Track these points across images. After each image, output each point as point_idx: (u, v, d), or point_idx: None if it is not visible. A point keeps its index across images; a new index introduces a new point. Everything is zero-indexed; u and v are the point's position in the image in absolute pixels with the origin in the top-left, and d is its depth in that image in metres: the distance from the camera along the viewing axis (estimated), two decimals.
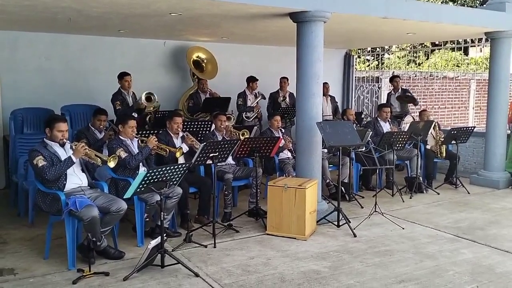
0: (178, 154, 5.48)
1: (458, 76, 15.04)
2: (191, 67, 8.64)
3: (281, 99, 8.92)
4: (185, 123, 6.51)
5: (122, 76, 7.37)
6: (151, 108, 7.44)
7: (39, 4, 5.20)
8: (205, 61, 8.85)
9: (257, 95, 8.78)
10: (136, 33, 7.88)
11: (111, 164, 4.66)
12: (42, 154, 4.45)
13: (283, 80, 8.96)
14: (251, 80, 8.73)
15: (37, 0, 4.99)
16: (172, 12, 5.75)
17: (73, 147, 4.56)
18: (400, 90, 9.45)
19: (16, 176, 6.21)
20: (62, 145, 4.60)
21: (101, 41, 8.26)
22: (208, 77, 8.70)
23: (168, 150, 5.47)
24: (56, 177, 4.46)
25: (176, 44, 9.05)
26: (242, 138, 6.49)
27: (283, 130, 7.20)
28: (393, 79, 9.68)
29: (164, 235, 4.42)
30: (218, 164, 5.57)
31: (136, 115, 7.23)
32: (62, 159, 4.51)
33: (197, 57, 8.81)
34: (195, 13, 5.83)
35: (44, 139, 4.61)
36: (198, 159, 5.13)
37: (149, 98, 7.38)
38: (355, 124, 7.63)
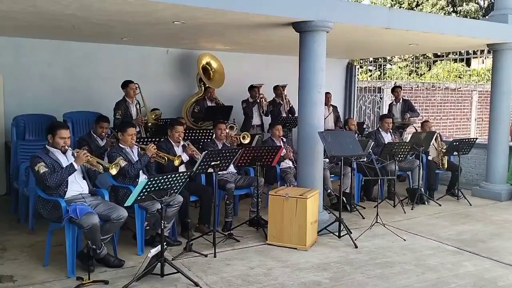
0: (176, 162, 5.46)
1: (460, 87, 15.06)
2: (200, 73, 8.63)
3: (286, 108, 8.89)
4: (187, 131, 6.51)
5: (127, 84, 7.25)
6: (153, 116, 7.44)
7: (44, 11, 5.22)
8: (213, 69, 8.85)
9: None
10: (139, 41, 7.91)
11: (113, 171, 4.65)
12: (43, 161, 4.44)
13: (280, 88, 8.93)
14: (251, 89, 8.76)
15: (42, 7, 5.01)
16: (175, 21, 5.78)
17: (75, 154, 4.55)
18: (401, 101, 9.46)
19: (17, 183, 6.20)
20: (64, 152, 4.60)
21: (104, 48, 8.28)
22: (215, 85, 8.70)
23: (166, 158, 5.46)
24: (57, 184, 4.45)
25: (179, 52, 9.08)
26: (243, 141, 6.50)
27: (284, 139, 7.20)
28: (394, 89, 9.69)
29: (164, 243, 4.40)
30: (220, 172, 5.55)
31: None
32: (64, 166, 4.50)
33: (207, 64, 8.81)
34: (198, 22, 5.85)
35: (46, 145, 4.61)
36: (200, 167, 5.12)
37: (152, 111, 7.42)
38: (357, 134, 7.63)
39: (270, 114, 8.89)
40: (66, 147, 4.58)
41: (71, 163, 4.49)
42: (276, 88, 8.96)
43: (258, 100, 8.64)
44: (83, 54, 8.15)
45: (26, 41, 7.64)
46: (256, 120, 8.73)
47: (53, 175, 4.41)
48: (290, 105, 8.87)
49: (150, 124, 7.39)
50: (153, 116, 7.55)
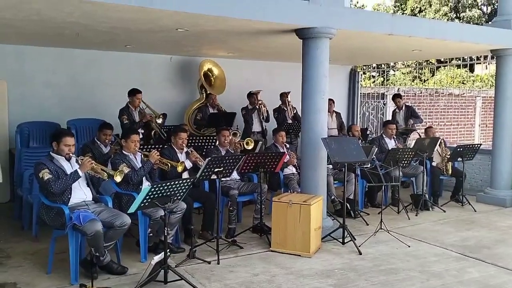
0: (179, 169, 5.46)
1: (463, 93, 15.02)
2: (202, 80, 8.64)
3: (290, 115, 8.90)
4: (190, 138, 6.51)
5: (134, 93, 7.27)
6: (158, 121, 7.43)
7: (47, 19, 5.25)
8: (214, 75, 8.86)
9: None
10: (142, 48, 7.94)
11: (118, 178, 4.66)
12: (47, 167, 4.45)
13: (285, 95, 8.95)
14: (249, 96, 8.77)
15: (45, 15, 5.04)
16: (178, 28, 5.80)
17: (79, 161, 4.56)
18: (404, 107, 9.44)
19: (21, 190, 6.20)
20: (68, 159, 4.61)
21: (108, 56, 8.31)
22: (216, 92, 8.72)
23: (169, 165, 5.46)
24: (61, 191, 4.45)
25: (183, 59, 9.11)
26: (247, 146, 6.49)
27: (288, 146, 7.19)
28: (394, 98, 9.67)
29: (168, 250, 4.39)
30: (223, 179, 5.55)
31: (142, 131, 7.23)
32: (68, 173, 4.51)
33: (208, 70, 8.83)
34: (201, 29, 5.87)
35: (51, 152, 4.62)
36: (203, 174, 5.11)
37: (163, 115, 7.42)
38: (360, 141, 7.61)
39: (275, 121, 8.91)
40: (71, 154, 4.60)
41: (76, 170, 4.50)
42: (281, 95, 8.99)
43: (257, 107, 8.65)
44: (86, 62, 8.19)
45: (30, 48, 7.67)
46: (256, 127, 8.72)
47: (58, 182, 4.42)
48: (294, 112, 8.88)
49: (160, 121, 7.34)
50: (158, 121, 7.51)
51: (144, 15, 5.02)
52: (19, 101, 7.64)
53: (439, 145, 7.73)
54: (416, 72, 17.71)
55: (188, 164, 5.72)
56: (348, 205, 6.38)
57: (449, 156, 7.76)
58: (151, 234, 5.06)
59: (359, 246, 5.37)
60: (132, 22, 5.41)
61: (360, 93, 11.57)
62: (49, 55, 7.86)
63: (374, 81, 18.56)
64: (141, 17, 5.16)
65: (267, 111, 8.74)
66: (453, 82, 17.80)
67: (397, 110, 9.55)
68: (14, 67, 7.63)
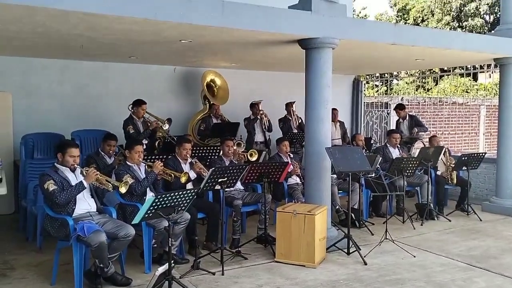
0: (183, 179, 5.45)
1: (467, 102, 15.01)
2: (205, 90, 8.68)
3: (295, 124, 8.92)
4: (194, 148, 6.51)
5: (140, 104, 7.26)
6: (161, 133, 7.44)
7: (52, 32, 5.29)
8: (217, 86, 8.90)
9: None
10: (146, 59, 7.98)
11: (123, 189, 4.67)
12: (53, 178, 4.47)
13: (290, 105, 8.98)
14: (252, 106, 8.79)
15: (50, 28, 5.08)
16: (182, 39, 5.83)
17: (84, 173, 4.57)
18: (407, 117, 9.43)
19: (25, 201, 6.22)
20: (73, 170, 4.62)
21: (112, 67, 8.36)
22: (219, 102, 8.75)
23: (173, 175, 5.46)
24: (66, 202, 4.46)
25: (186, 70, 9.15)
26: (250, 158, 6.49)
27: (291, 155, 7.19)
28: (395, 109, 9.65)
29: (172, 261, 4.37)
30: (227, 189, 5.54)
31: (146, 141, 7.23)
32: (72, 184, 4.53)
33: (211, 81, 8.87)
34: (205, 40, 5.90)
35: (55, 163, 4.64)
36: (207, 184, 5.11)
37: (168, 121, 7.40)
38: (364, 150, 7.60)
39: (281, 131, 8.91)
40: (76, 165, 4.61)
41: (81, 181, 4.51)
42: (287, 105, 9.02)
43: (259, 117, 8.67)
44: (91, 73, 8.23)
45: (35, 60, 7.73)
46: (258, 137, 8.72)
47: (63, 193, 4.43)
48: (299, 121, 8.88)
49: (166, 127, 7.34)
50: (160, 133, 7.53)
51: (147, 26, 5.06)
52: (24, 113, 7.68)
53: (444, 154, 7.70)
54: (420, 81, 17.72)
55: (192, 175, 5.72)
56: (352, 215, 6.35)
57: (453, 165, 7.73)
58: (155, 245, 5.05)
59: (364, 257, 5.34)
60: (136, 33, 5.44)
61: (364, 103, 11.58)
62: (54, 67, 7.91)
63: (377, 91, 18.57)
64: (145, 29, 5.20)
65: (268, 120, 8.75)
66: (457, 91, 17.80)
67: (401, 120, 9.54)
68: (19, 79, 7.69)
